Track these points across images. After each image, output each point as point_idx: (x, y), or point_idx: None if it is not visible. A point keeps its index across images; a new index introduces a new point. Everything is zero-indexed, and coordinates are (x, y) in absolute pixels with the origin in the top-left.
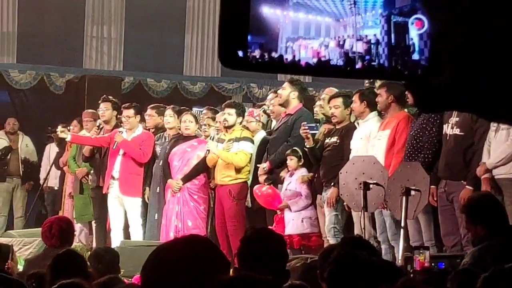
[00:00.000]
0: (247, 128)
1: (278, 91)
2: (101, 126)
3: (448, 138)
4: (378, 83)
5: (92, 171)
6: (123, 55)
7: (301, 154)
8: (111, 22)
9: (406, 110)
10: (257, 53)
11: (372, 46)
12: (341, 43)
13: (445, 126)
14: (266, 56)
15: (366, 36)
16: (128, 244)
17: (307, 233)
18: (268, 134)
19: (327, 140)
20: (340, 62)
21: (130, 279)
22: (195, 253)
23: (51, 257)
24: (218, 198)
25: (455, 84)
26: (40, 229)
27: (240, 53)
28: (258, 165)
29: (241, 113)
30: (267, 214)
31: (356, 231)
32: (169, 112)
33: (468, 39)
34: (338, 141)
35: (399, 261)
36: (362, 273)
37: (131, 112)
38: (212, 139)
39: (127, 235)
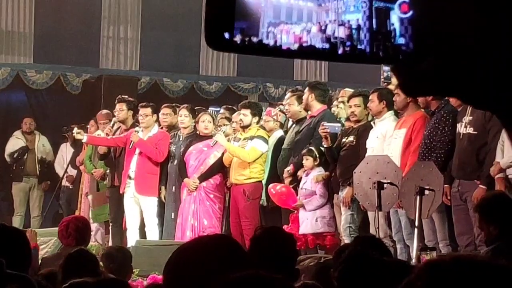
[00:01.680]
0: (264, 128)
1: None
2: (116, 126)
3: (461, 137)
4: (394, 81)
5: (108, 171)
6: (140, 55)
7: (316, 153)
8: (128, 22)
9: (422, 109)
10: (238, 38)
11: (353, 31)
12: (323, 28)
13: (458, 125)
14: (247, 41)
15: (348, 21)
16: (143, 244)
17: (321, 232)
18: (285, 133)
19: (344, 140)
20: (322, 47)
21: (144, 279)
22: (218, 252)
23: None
24: (233, 197)
25: (439, 69)
26: (56, 228)
27: (226, 35)
28: (279, 165)
29: (256, 112)
30: (282, 213)
31: (372, 230)
32: (184, 111)
33: (451, 25)
34: (354, 140)
35: (413, 260)
36: (373, 273)
37: (148, 110)
38: (223, 132)
39: (143, 234)
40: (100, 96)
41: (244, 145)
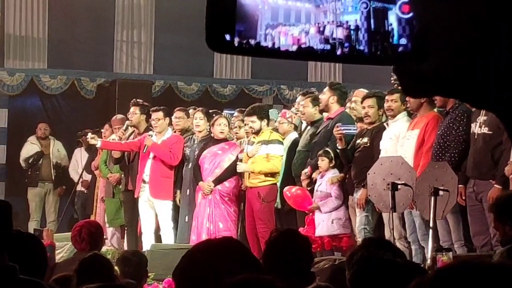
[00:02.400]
0: (276, 130)
1: (320, 96)
2: (130, 130)
3: (476, 137)
4: None
5: (123, 175)
6: (153, 59)
7: (332, 155)
8: (141, 26)
9: (435, 110)
10: (236, 41)
11: (352, 32)
12: (321, 29)
13: (473, 125)
14: (245, 44)
15: (347, 21)
16: (158, 248)
17: (337, 234)
18: (299, 136)
19: (358, 141)
20: (321, 48)
21: (160, 283)
22: (227, 254)
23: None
24: (247, 200)
25: (439, 70)
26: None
27: (227, 37)
28: (294, 168)
29: (263, 115)
30: (298, 215)
31: (386, 231)
32: (199, 114)
33: (451, 26)
34: (368, 142)
35: (428, 261)
36: (386, 275)
37: (160, 114)
38: (241, 161)
39: (158, 238)
40: (114, 100)
41: (258, 149)
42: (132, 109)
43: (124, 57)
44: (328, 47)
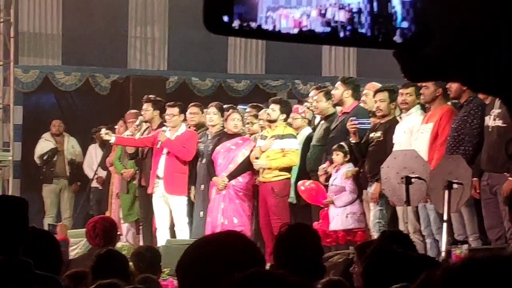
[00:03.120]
0: (290, 125)
1: (332, 92)
2: (144, 126)
3: (490, 130)
4: None
5: (137, 171)
6: (167, 55)
7: (347, 149)
8: (154, 22)
9: (449, 103)
10: (236, 23)
11: (354, 14)
12: (323, 12)
13: (486, 118)
14: (246, 26)
15: (349, 4)
16: (173, 243)
17: (352, 228)
18: (313, 130)
19: (371, 135)
20: (322, 31)
21: (175, 278)
22: (230, 248)
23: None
24: (261, 195)
25: (443, 54)
26: None
27: (225, 18)
28: (308, 162)
29: (285, 110)
30: (312, 210)
31: (401, 225)
32: (212, 109)
33: (455, 8)
34: (382, 136)
35: (442, 254)
36: (398, 268)
37: (175, 110)
38: (258, 158)
39: (173, 234)
40: (128, 96)
41: (272, 143)
42: (144, 106)
43: (138, 53)
44: (329, 30)
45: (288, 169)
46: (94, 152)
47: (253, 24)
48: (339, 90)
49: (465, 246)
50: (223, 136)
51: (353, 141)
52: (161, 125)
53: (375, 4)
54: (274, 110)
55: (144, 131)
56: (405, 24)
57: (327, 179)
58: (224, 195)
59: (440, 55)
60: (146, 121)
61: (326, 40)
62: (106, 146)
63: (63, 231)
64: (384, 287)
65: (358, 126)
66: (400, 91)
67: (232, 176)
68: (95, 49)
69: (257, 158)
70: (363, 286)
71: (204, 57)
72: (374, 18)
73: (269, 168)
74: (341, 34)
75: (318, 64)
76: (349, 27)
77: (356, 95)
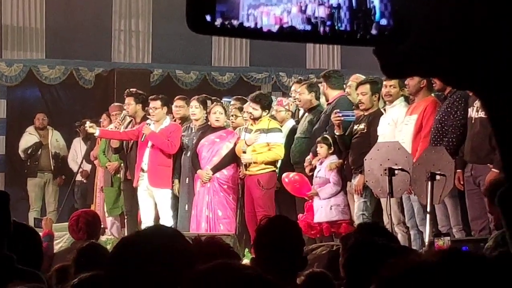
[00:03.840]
0: (275, 118)
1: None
2: (127, 120)
3: (473, 121)
4: None
5: (122, 164)
6: (151, 48)
7: (331, 141)
8: (139, 15)
9: (433, 95)
10: (218, 22)
11: (333, 10)
12: (303, 8)
13: (470, 110)
14: (228, 24)
15: (328, 0)
16: None
17: (336, 220)
18: (297, 123)
19: (355, 127)
20: (303, 28)
21: None
22: (158, 245)
23: None
24: (247, 188)
25: (419, 50)
26: None
27: (208, 18)
28: (293, 154)
29: (266, 106)
30: (297, 202)
31: (385, 217)
32: (194, 103)
33: (431, 7)
34: (365, 128)
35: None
36: (380, 259)
37: (158, 103)
38: (245, 152)
39: None
40: (113, 89)
41: (257, 138)
42: (126, 100)
43: (122, 46)
44: (309, 27)
45: (274, 162)
46: (78, 146)
47: (235, 22)
48: (321, 85)
49: (448, 238)
50: (207, 129)
51: (337, 133)
52: (144, 118)
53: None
54: (256, 109)
55: (128, 124)
56: (383, 20)
57: (312, 170)
58: (208, 188)
59: (416, 50)
60: (129, 116)
61: (306, 38)
62: (90, 140)
63: (48, 225)
64: (365, 278)
65: (342, 118)
66: (384, 83)
67: (216, 168)
68: (79, 42)
69: (244, 152)
70: (345, 277)
71: (189, 50)
72: (353, 13)
73: (255, 162)
74: (321, 30)
75: (303, 56)
76: (328, 23)
77: (337, 86)
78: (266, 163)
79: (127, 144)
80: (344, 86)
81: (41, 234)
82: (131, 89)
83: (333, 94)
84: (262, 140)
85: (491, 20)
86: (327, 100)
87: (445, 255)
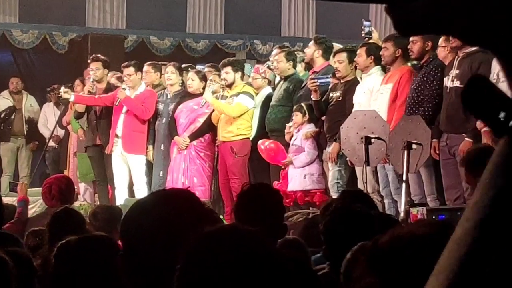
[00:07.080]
0: (250, 85)
1: (305, 50)
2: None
3: (448, 91)
4: (374, 36)
5: (86, 128)
6: (126, 13)
7: (306, 109)
8: None
9: (409, 64)
10: None
11: None
12: None
13: (445, 79)
14: None
15: None
16: (132, 202)
17: (310, 189)
18: (273, 90)
19: (331, 95)
20: None
21: None
22: (173, 207)
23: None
24: (220, 155)
25: (432, 7)
26: None
27: None
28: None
29: (238, 68)
30: (271, 169)
31: (360, 186)
32: (170, 69)
33: None
34: (341, 96)
35: (401, 215)
36: (359, 226)
37: (131, 70)
38: (212, 92)
39: (132, 193)
40: (86, 55)
41: (231, 102)
42: (93, 65)
43: (97, 11)
44: None
45: (247, 129)
46: (49, 111)
47: None
48: (310, 49)
49: (423, 207)
50: (185, 95)
51: (314, 98)
52: (108, 84)
53: None
54: (228, 73)
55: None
56: None
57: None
58: (185, 155)
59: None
60: (96, 81)
61: None
62: (63, 105)
63: (23, 190)
64: (344, 245)
65: (318, 83)
66: (358, 51)
67: (194, 136)
68: (53, 6)
69: (218, 121)
70: (324, 243)
71: (163, 16)
72: None
73: (212, 105)
74: None
75: (278, 24)
76: None
77: (327, 56)
78: (239, 129)
79: (95, 110)
80: None
81: (16, 199)
82: (96, 55)
83: (321, 62)
84: (233, 103)
85: None
86: (312, 67)
87: (434, 227)
